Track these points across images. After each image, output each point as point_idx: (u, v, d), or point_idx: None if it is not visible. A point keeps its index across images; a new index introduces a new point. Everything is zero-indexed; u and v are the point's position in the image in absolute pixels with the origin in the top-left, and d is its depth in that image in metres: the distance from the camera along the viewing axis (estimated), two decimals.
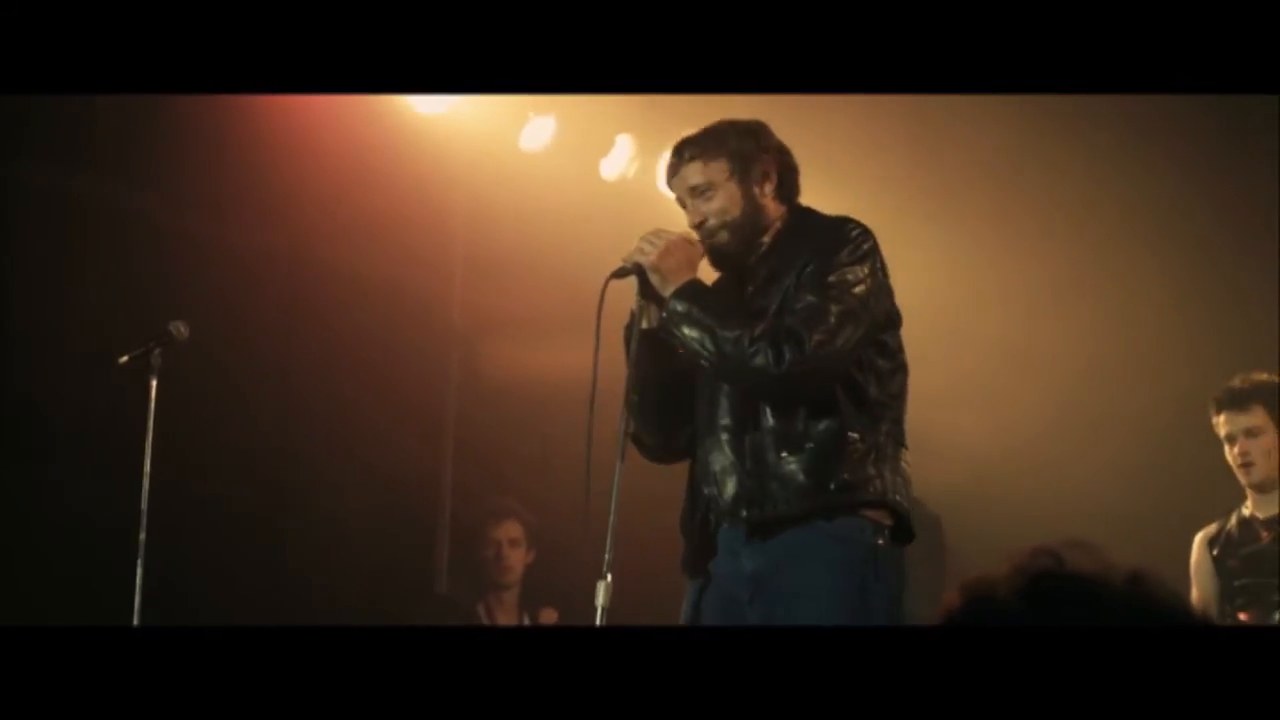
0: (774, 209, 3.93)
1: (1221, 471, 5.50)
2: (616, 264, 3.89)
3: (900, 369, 3.88)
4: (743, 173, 3.89)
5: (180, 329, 4.84)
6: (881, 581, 3.74)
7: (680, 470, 4.00)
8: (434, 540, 7.13)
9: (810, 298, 3.73)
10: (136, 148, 6.02)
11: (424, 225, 6.92)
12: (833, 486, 3.71)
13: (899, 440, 3.85)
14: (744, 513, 3.76)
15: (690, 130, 3.98)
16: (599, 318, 3.80)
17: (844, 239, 3.80)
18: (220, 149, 6.12)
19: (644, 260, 3.84)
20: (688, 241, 3.88)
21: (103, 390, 5.37)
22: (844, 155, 6.43)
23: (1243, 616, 5.33)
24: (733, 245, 3.91)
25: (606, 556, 3.71)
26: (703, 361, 3.80)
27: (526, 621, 6.31)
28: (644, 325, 3.91)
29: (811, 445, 3.72)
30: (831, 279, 3.74)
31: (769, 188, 3.92)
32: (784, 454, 3.73)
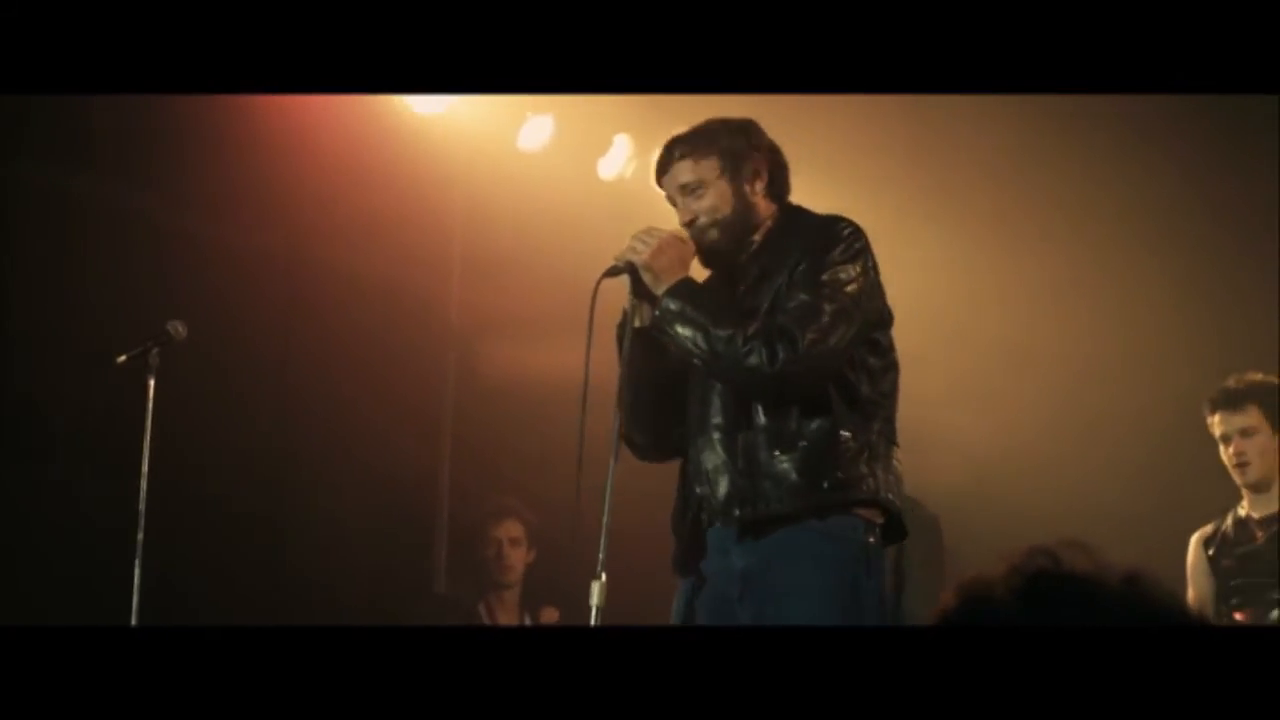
0: (765, 207, 3.92)
1: (1219, 472, 5.50)
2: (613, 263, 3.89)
3: (892, 367, 3.87)
4: (733, 171, 3.88)
5: (178, 329, 4.84)
6: (873, 579, 3.73)
7: (675, 469, 3.99)
8: (432, 540, 7.12)
9: (803, 296, 3.72)
10: (136, 148, 6.02)
11: (422, 225, 6.92)
12: (825, 485, 3.71)
13: (891, 438, 3.85)
14: (736, 512, 3.75)
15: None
16: (591, 316, 3.79)
17: (836, 237, 3.79)
18: (219, 149, 6.12)
19: (636, 259, 3.82)
20: (680, 240, 3.86)
21: (101, 390, 5.37)
22: (843, 155, 6.44)
23: (1238, 616, 5.33)
24: (723, 243, 3.90)
25: (601, 556, 3.70)
26: (695, 360, 3.79)
27: (527, 621, 6.31)
28: (636, 324, 3.88)
29: (804, 444, 3.71)
30: (824, 278, 3.73)
31: (760, 186, 3.91)
32: (776, 453, 3.72)
